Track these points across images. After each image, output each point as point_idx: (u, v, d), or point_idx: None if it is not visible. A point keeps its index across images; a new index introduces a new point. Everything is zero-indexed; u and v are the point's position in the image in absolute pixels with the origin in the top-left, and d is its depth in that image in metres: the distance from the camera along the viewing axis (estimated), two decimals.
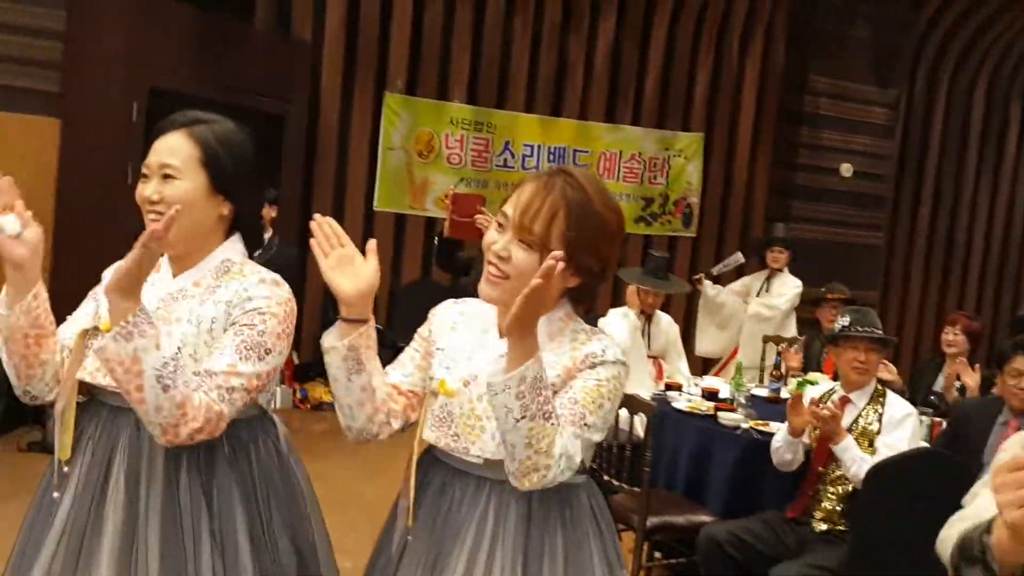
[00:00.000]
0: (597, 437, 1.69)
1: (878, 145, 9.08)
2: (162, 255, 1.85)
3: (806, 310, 6.85)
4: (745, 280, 7.01)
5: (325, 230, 1.71)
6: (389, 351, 8.05)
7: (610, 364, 1.70)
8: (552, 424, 1.59)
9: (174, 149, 1.83)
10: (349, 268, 1.69)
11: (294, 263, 5.72)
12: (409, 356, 1.89)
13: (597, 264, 1.72)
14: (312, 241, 1.71)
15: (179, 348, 1.76)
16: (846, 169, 8.87)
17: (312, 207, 7.51)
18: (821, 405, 3.46)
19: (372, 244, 1.71)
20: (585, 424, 1.66)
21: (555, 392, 1.67)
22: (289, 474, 1.98)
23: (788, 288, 6.66)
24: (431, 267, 7.81)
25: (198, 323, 1.79)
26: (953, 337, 5.18)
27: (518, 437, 1.57)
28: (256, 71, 6.52)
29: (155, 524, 1.78)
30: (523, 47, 8.15)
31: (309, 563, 1.96)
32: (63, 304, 1.98)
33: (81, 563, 1.78)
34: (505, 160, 8.19)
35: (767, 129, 9.16)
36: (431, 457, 1.84)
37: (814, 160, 8.85)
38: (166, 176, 1.82)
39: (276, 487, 1.93)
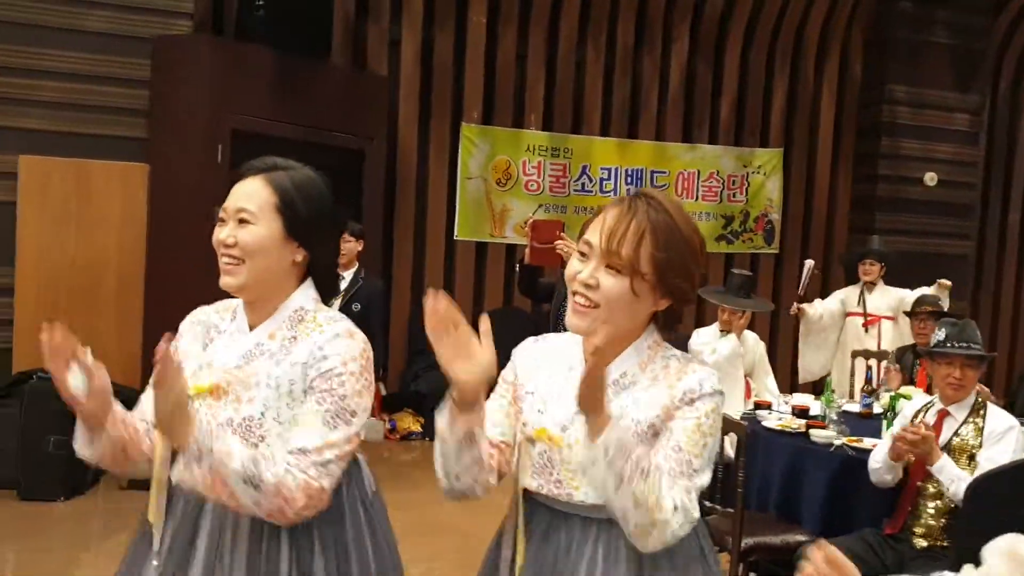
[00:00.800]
0: (705, 478, 1.67)
1: (962, 152, 8.84)
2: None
3: None
4: (839, 295, 6.88)
5: (441, 312, 1.63)
6: None
7: (708, 397, 1.67)
8: (652, 479, 1.58)
9: (251, 194, 1.84)
10: (464, 353, 1.63)
11: (379, 295, 5.81)
12: (498, 405, 1.84)
13: (687, 285, 1.70)
14: (427, 324, 1.64)
15: (262, 413, 1.78)
16: (930, 178, 8.66)
17: (394, 239, 7.64)
18: (912, 426, 3.37)
19: (485, 325, 1.66)
20: (693, 471, 1.64)
21: (655, 431, 1.66)
22: (374, 523, 1.97)
23: (895, 294, 6.54)
24: (513, 294, 7.84)
25: (277, 386, 1.80)
26: None
27: (624, 502, 1.58)
28: (335, 108, 6.66)
29: None
30: (596, 72, 8.20)
31: None
32: (155, 347, 2.01)
33: None
34: (583, 184, 8.21)
35: (847, 141, 9.02)
36: (532, 502, 1.79)
37: (896, 171, 8.67)
38: (242, 221, 1.82)
39: (362, 538, 1.92)
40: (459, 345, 1.63)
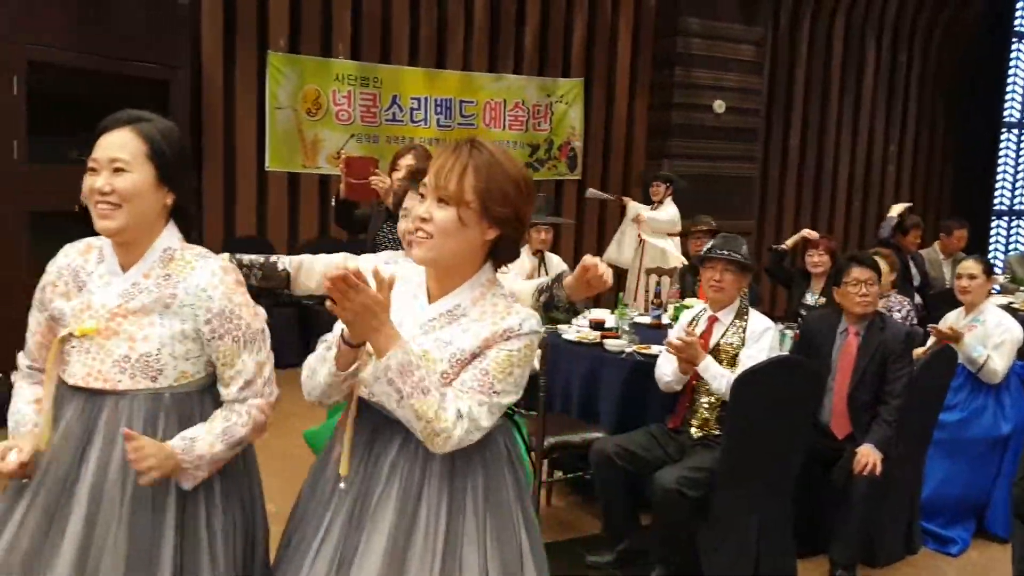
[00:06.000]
0: (508, 400, 1.89)
1: (748, 81, 9.54)
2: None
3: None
4: (636, 206, 7.71)
5: (341, 287, 1.73)
6: (288, 307, 8.20)
7: (524, 336, 1.89)
8: (432, 396, 1.79)
9: (122, 144, 1.99)
10: (365, 312, 1.77)
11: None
12: None
13: (510, 212, 1.90)
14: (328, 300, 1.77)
15: (159, 349, 1.99)
16: (719, 106, 9.31)
17: (203, 171, 7.56)
18: (688, 329, 3.84)
19: (391, 279, 1.79)
20: (494, 392, 1.86)
21: (474, 357, 1.88)
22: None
23: (664, 211, 7.49)
24: (328, 224, 7.95)
25: (170, 326, 2.00)
26: (818, 258, 5.66)
27: (405, 414, 1.81)
28: (137, 37, 6.49)
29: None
30: (403, 1, 8.28)
31: (257, 523, 2.20)
32: None
33: (50, 534, 1.97)
34: (394, 114, 8.35)
35: (644, 71, 9.52)
36: (365, 409, 2.00)
37: (688, 99, 9.26)
38: (116, 169, 1.97)
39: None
40: (360, 307, 1.77)
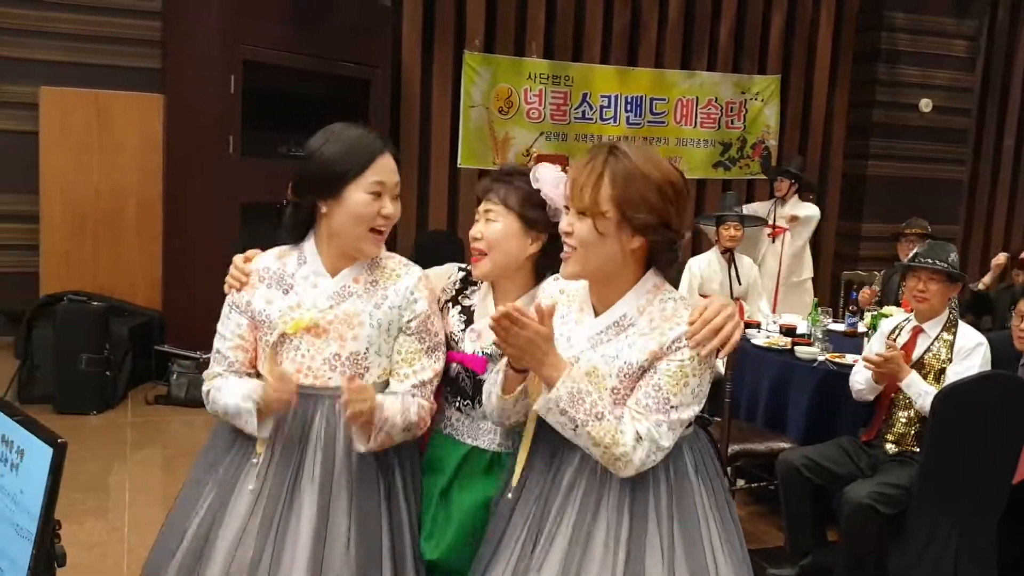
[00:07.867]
0: (688, 413, 1.82)
1: (958, 78, 8.99)
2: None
3: (889, 247, 6.99)
4: (756, 207, 7.35)
5: (505, 325, 1.78)
6: None
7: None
8: (607, 422, 1.77)
9: (396, 170, 2.14)
10: (528, 346, 1.80)
11: None
12: None
13: (652, 217, 1.82)
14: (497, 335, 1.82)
15: (367, 348, 2.08)
16: (925, 104, 8.82)
17: (399, 167, 7.79)
18: (877, 353, 3.64)
19: (551, 308, 1.83)
20: (671, 407, 1.80)
21: (643, 371, 1.83)
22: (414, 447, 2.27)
23: (801, 209, 7.08)
24: None
25: (378, 325, 2.09)
26: None
27: (583, 442, 1.81)
28: (341, 38, 6.78)
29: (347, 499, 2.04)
30: None
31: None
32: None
33: (278, 536, 2.00)
34: (583, 112, 8.36)
35: (844, 68, 9.13)
36: (542, 428, 1.99)
37: (893, 97, 8.82)
38: (395, 196, 2.12)
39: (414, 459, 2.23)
40: (526, 342, 1.80)
